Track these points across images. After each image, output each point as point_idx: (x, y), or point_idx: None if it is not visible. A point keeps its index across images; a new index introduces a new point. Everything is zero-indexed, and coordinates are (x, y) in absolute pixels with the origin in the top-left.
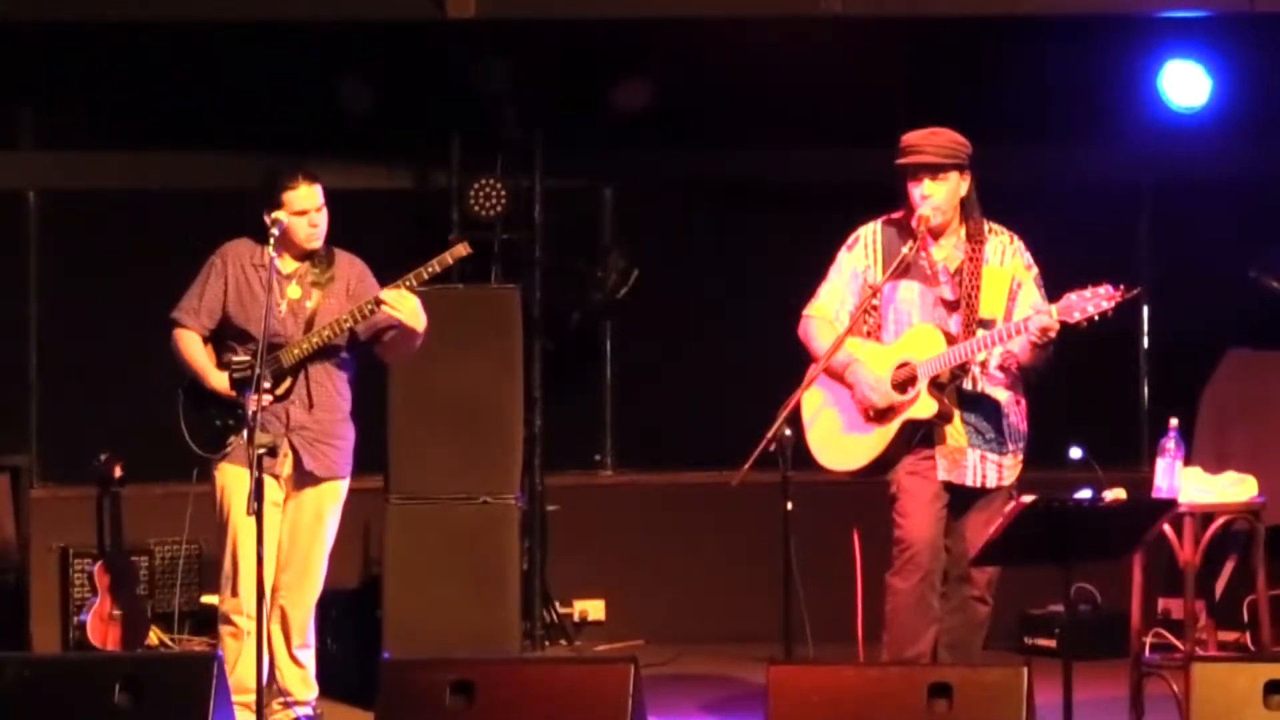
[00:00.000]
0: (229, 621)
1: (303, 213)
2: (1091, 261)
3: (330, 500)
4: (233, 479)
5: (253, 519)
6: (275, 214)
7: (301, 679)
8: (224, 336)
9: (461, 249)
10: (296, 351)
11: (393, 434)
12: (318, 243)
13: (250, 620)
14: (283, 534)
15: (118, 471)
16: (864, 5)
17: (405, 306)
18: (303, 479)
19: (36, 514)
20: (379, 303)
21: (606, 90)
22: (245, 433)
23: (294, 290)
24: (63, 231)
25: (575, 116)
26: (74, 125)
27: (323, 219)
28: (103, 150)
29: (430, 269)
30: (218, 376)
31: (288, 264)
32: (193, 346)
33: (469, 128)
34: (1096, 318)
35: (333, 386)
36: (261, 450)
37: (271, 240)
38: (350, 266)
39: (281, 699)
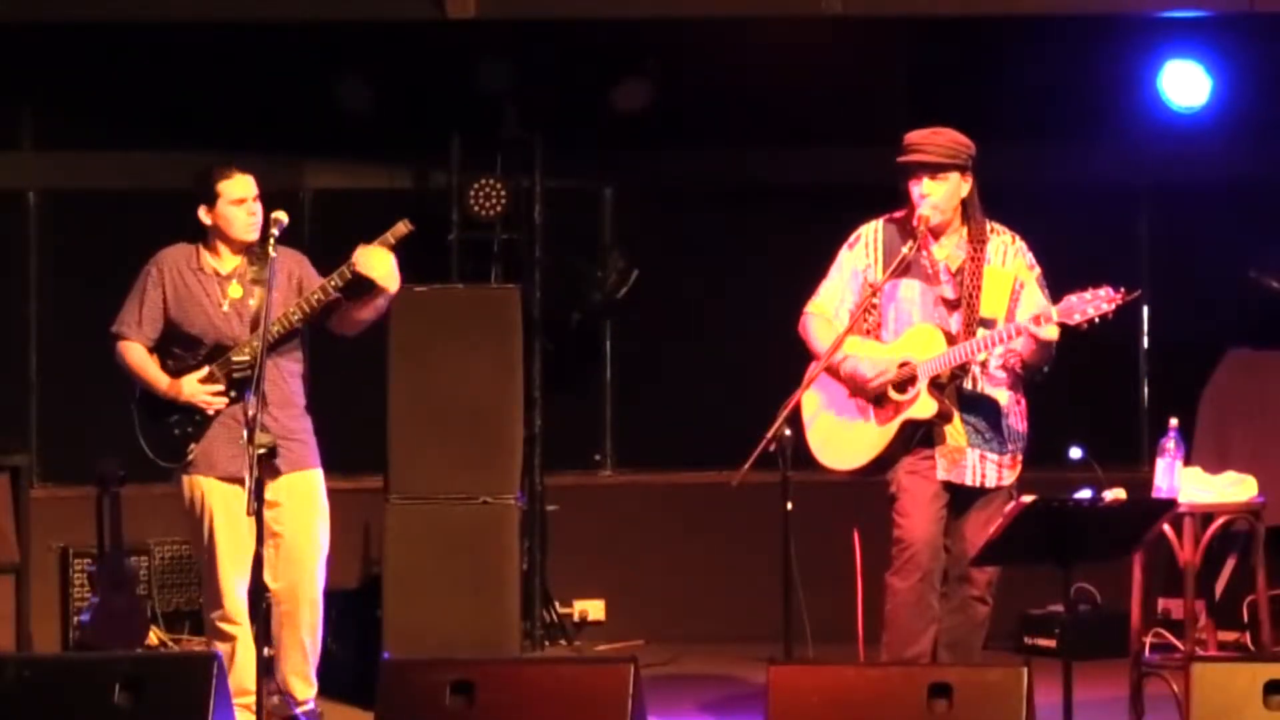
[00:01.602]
0: (219, 633)
1: (240, 201)
2: (1091, 262)
3: (305, 492)
4: (200, 489)
5: (226, 528)
6: (223, 207)
7: (304, 678)
8: (168, 344)
9: (402, 226)
10: (248, 352)
11: (393, 434)
12: (253, 234)
13: (238, 626)
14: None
15: (118, 471)
16: (864, 5)
17: (383, 267)
18: (270, 479)
19: (36, 514)
20: (350, 271)
21: (606, 90)
22: (246, 434)
23: (235, 290)
24: (63, 231)
25: (575, 116)
26: (74, 125)
27: (257, 209)
28: (103, 150)
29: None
30: (183, 388)
31: (226, 263)
32: (140, 358)
33: (469, 128)
34: (1097, 320)
35: (285, 383)
36: (262, 450)
37: (272, 240)
38: (289, 256)
39: (284, 696)
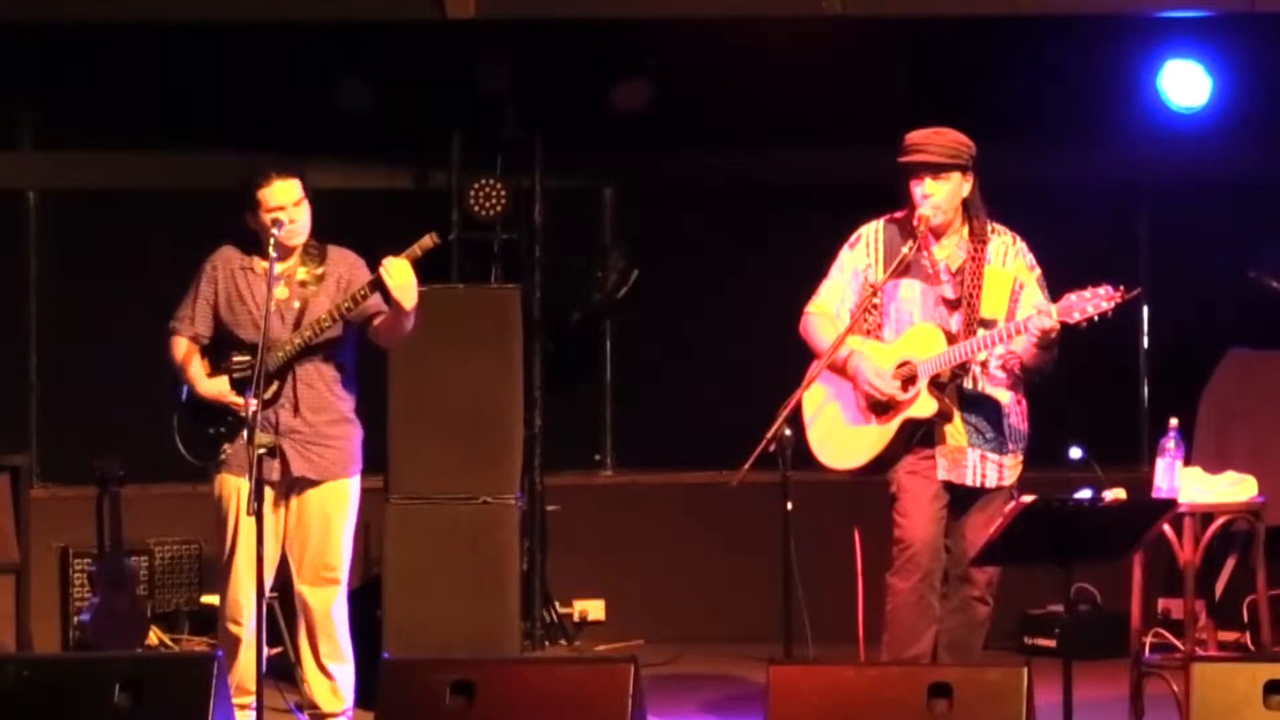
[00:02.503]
0: (225, 631)
1: (279, 209)
2: (1091, 262)
3: (335, 501)
4: (229, 489)
5: (246, 528)
6: (264, 215)
7: (331, 690)
8: (221, 343)
9: (429, 240)
10: (281, 354)
11: (393, 434)
12: (297, 239)
13: (240, 627)
14: (287, 542)
15: (118, 471)
16: (864, 5)
17: (401, 278)
18: (299, 483)
19: (36, 514)
20: (375, 284)
21: (606, 90)
22: (245, 434)
23: (281, 291)
24: (63, 231)
25: (575, 116)
26: (74, 125)
27: (300, 213)
28: (103, 150)
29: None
30: (208, 384)
31: (276, 265)
32: (184, 354)
33: (469, 128)
34: (1097, 318)
35: (324, 387)
36: (262, 451)
37: (272, 241)
38: (341, 260)
39: (311, 710)
